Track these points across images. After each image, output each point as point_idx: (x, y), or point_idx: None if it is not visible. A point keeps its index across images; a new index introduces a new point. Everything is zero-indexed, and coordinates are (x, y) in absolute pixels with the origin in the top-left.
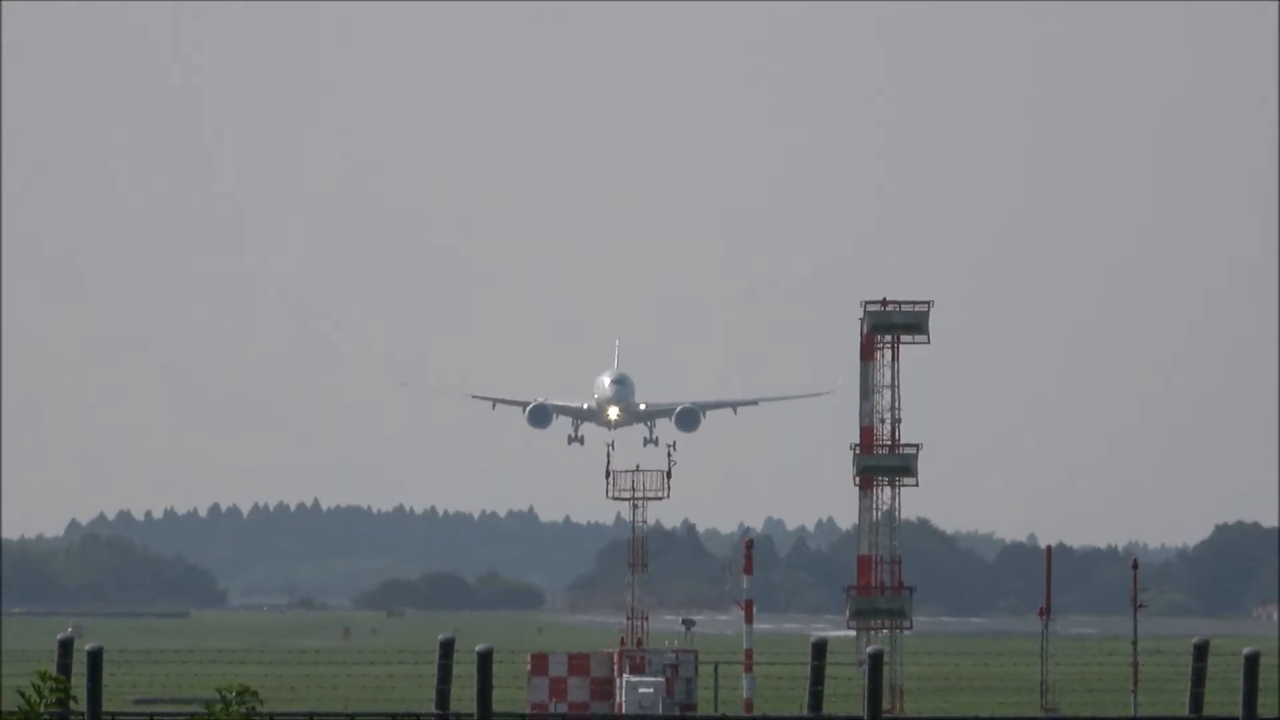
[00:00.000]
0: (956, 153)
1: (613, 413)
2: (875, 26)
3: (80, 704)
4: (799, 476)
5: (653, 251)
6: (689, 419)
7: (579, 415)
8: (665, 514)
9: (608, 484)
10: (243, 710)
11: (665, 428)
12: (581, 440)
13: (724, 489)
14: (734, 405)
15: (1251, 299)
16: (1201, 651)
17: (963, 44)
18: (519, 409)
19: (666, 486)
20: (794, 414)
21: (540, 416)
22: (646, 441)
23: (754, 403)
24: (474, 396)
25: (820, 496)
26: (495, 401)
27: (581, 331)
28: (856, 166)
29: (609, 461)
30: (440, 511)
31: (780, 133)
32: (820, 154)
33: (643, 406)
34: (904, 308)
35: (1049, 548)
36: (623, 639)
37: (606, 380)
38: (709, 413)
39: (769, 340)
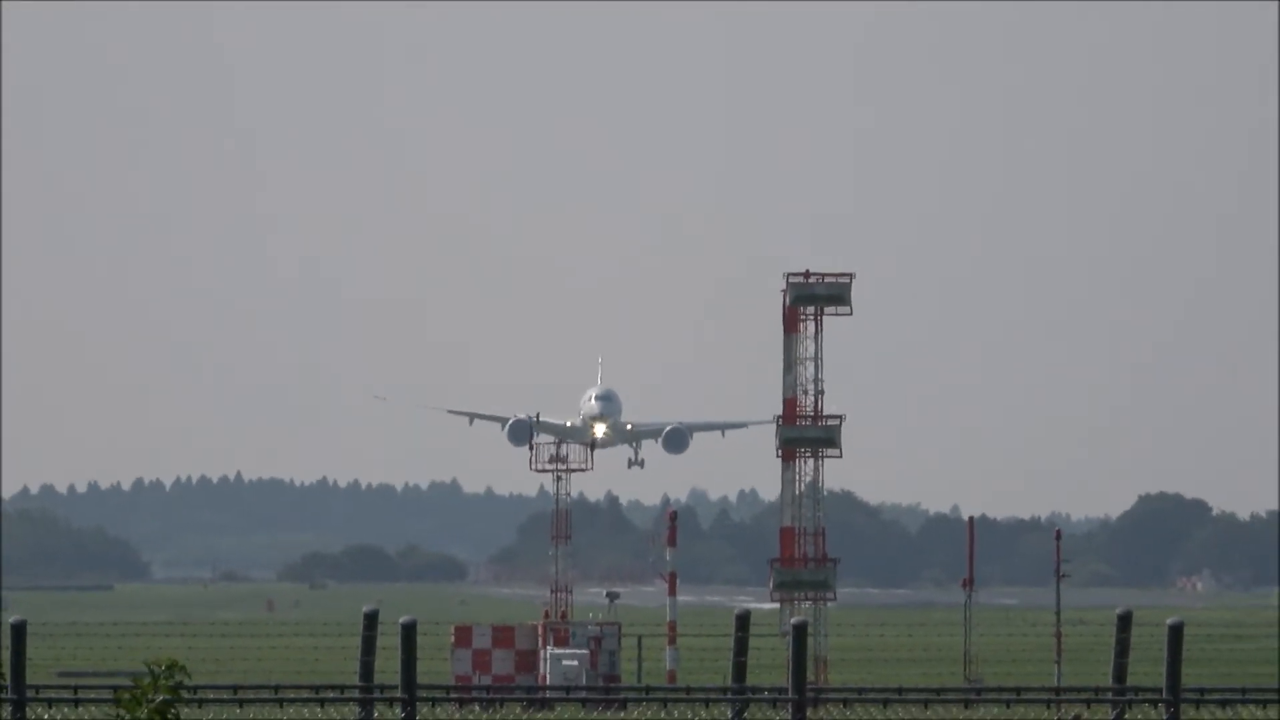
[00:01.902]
0: (881, 124)
1: (598, 430)
2: (802, 7)
3: (4, 678)
4: (722, 448)
5: (639, 266)
6: (677, 440)
7: (562, 433)
8: (588, 486)
9: (531, 456)
10: (170, 684)
11: (651, 450)
12: (565, 459)
13: (647, 460)
14: (722, 427)
15: (1174, 268)
16: (1125, 622)
17: (882, 14)
18: (498, 425)
19: (590, 458)
20: (715, 384)
21: (520, 433)
22: (631, 463)
23: (743, 425)
24: (450, 411)
25: (743, 468)
26: (473, 416)
27: (566, 349)
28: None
29: (533, 434)
30: (363, 484)
31: (754, 143)
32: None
33: (629, 426)
34: (826, 280)
35: (972, 519)
36: (546, 611)
37: (593, 396)
38: (696, 434)
39: (750, 360)
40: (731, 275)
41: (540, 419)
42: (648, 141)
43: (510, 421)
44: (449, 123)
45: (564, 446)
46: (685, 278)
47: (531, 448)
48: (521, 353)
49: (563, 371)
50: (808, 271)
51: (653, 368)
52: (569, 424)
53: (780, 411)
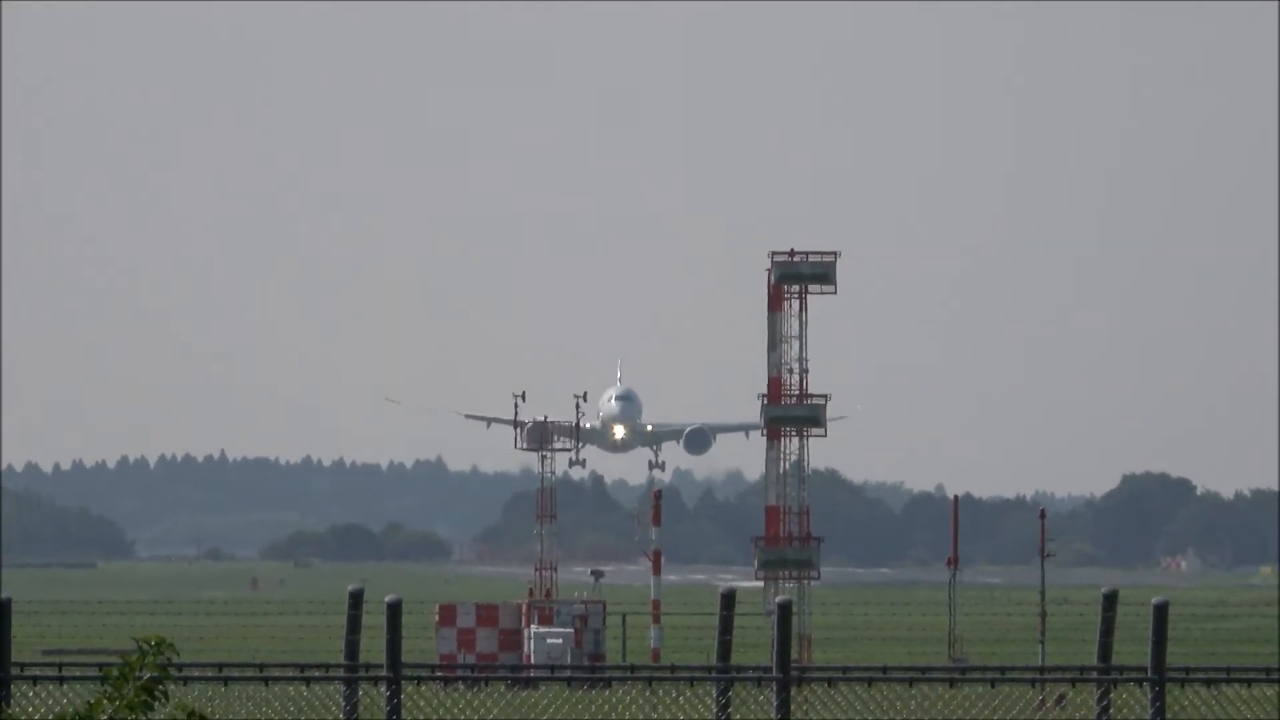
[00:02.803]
0: (871, 104)
1: (618, 431)
2: None
3: None
4: (670, 403)
5: (654, 267)
6: (699, 441)
7: (583, 435)
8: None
9: (516, 435)
10: (159, 661)
11: (672, 451)
12: (583, 463)
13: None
14: (745, 429)
15: (1159, 249)
16: (1110, 601)
17: None
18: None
19: (576, 437)
20: (701, 365)
21: (540, 436)
22: (652, 465)
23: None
24: (467, 416)
25: (728, 447)
26: (490, 421)
27: (582, 351)
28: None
29: (516, 412)
30: (348, 463)
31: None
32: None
33: (649, 427)
34: (811, 258)
35: (956, 498)
36: (531, 590)
37: (612, 397)
38: (719, 436)
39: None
40: (724, 262)
41: (555, 422)
42: (626, 124)
43: (528, 425)
44: (465, 119)
45: (581, 449)
46: (678, 265)
47: (576, 460)
48: (521, 349)
49: (564, 371)
50: (792, 250)
51: (653, 361)
52: (587, 426)
53: (764, 390)
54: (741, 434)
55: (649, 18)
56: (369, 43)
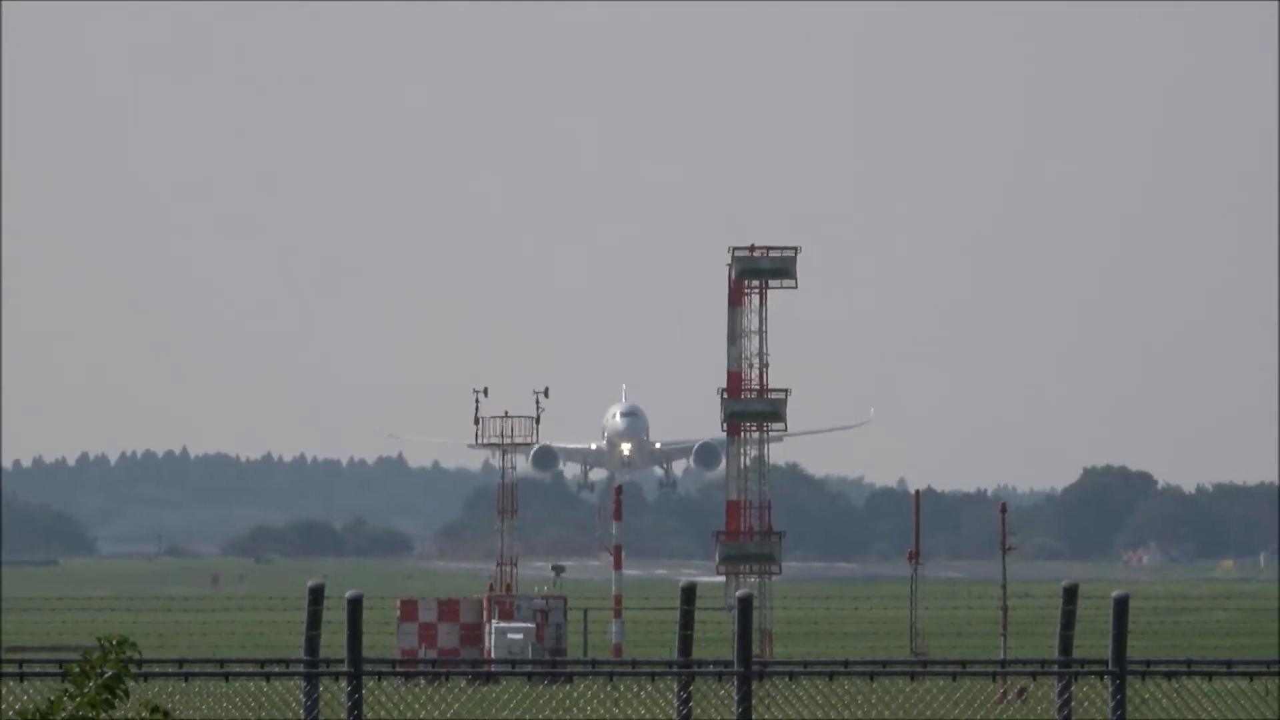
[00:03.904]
0: (825, 99)
1: (625, 449)
2: None
3: None
4: (667, 422)
5: (653, 285)
6: (709, 455)
7: (587, 458)
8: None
9: (477, 430)
10: (120, 659)
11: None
12: (591, 487)
13: (592, 435)
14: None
15: (1118, 240)
16: (1071, 594)
17: None
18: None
19: (535, 433)
20: (661, 360)
21: (546, 460)
22: (663, 485)
23: (778, 438)
24: (470, 445)
25: (689, 442)
26: (494, 447)
27: (584, 376)
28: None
29: (477, 408)
30: (308, 458)
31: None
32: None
33: (657, 445)
34: (771, 253)
35: (918, 492)
36: (492, 585)
37: (617, 413)
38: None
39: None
40: (694, 258)
41: (562, 445)
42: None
43: (535, 449)
44: (458, 129)
45: (589, 472)
46: (646, 263)
47: (584, 484)
48: (483, 344)
49: (580, 402)
50: (752, 245)
51: (674, 389)
52: (593, 447)
53: (724, 385)
54: (691, 415)
55: (610, 15)
56: (330, 28)
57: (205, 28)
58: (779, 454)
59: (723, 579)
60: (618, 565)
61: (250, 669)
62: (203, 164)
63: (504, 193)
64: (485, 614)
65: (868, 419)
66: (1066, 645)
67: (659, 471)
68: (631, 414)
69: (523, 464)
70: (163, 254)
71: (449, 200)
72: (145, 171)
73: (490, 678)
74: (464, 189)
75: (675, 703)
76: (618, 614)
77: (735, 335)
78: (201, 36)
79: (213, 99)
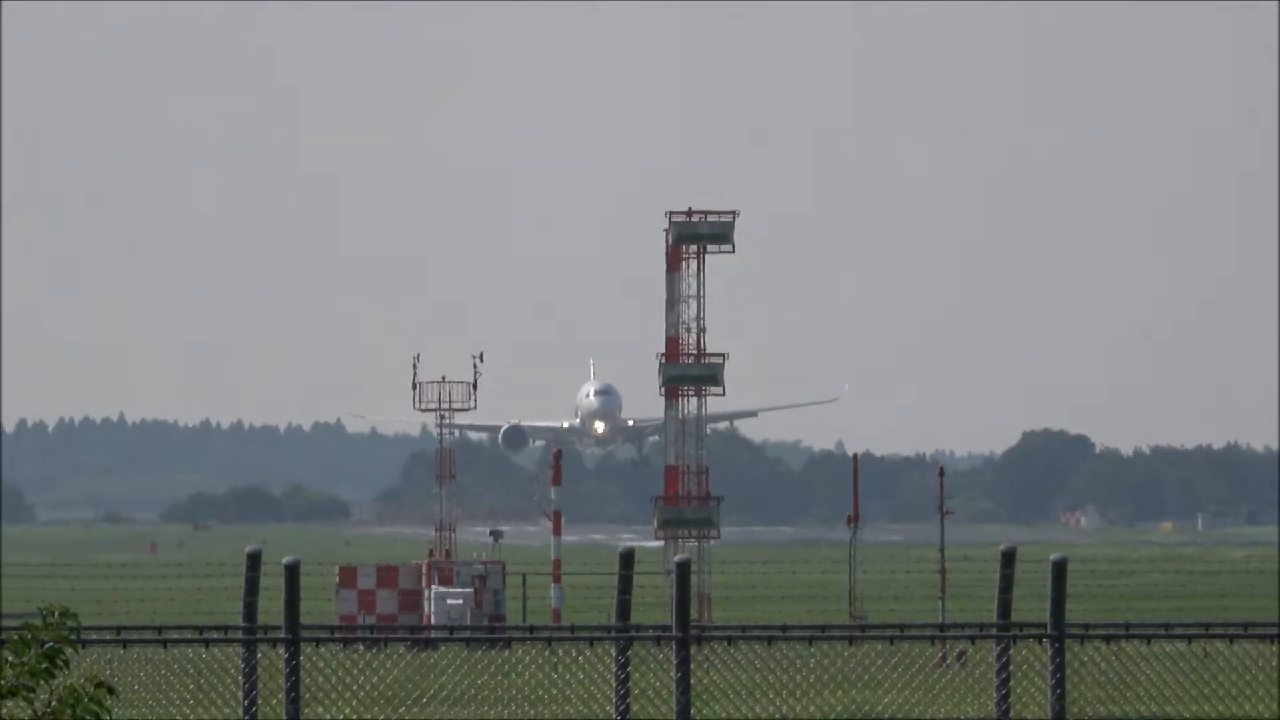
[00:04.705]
0: (769, 61)
1: (598, 428)
2: None
3: None
4: (637, 398)
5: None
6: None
7: (559, 436)
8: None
9: (414, 395)
10: (60, 630)
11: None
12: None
13: (531, 399)
14: (730, 417)
15: (1053, 199)
16: (1009, 558)
17: None
18: (487, 435)
19: (474, 398)
20: (599, 324)
21: (516, 439)
22: (635, 463)
23: (753, 414)
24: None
25: (627, 407)
26: (461, 429)
27: (550, 350)
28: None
29: (415, 372)
30: (246, 425)
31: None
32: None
33: (630, 423)
34: (709, 218)
35: (856, 456)
36: (431, 551)
37: (590, 392)
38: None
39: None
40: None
41: (531, 424)
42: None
43: (504, 429)
44: (433, 121)
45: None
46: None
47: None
48: (424, 311)
49: (547, 377)
50: (690, 210)
51: (645, 364)
52: (565, 425)
53: (663, 350)
54: (629, 380)
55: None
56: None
57: None
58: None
59: (661, 544)
60: (556, 531)
61: (189, 636)
62: (139, 128)
63: (462, 153)
64: (424, 580)
65: (841, 394)
66: (1005, 609)
67: (632, 450)
68: (605, 392)
69: (482, 438)
70: (100, 219)
71: (399, 165)
72: (78, 133)
73: (429, 644)
74: (416, 152)
75: (614, 667)
76: (556, 579)
77: (673, 301)
78: None
79: (147, 57)
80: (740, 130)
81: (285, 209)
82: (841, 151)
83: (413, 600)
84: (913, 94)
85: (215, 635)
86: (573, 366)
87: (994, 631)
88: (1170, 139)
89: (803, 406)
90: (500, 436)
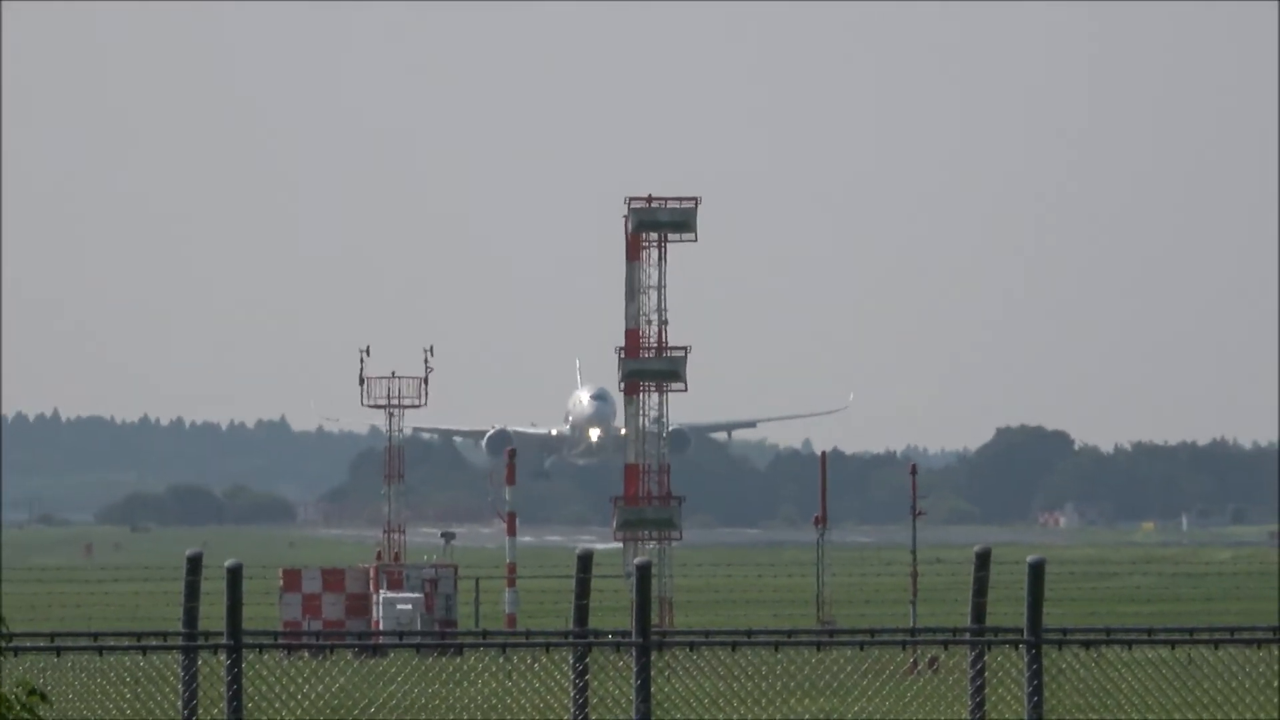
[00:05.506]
0: (732, 46)
1: (594, 435)
2: None
3: None
4: (562, 382)
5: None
6: (678, 442)
7: (548, 444)
8: (422, 422)
9: (362, 391)
10: None
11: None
12: (548, 475)
13: (484, 395)
14: (728, 428)
15: (1030, 192)
16: (983, 560)
17: None
18: (473, 440)
19: (424, 394)
20: (556, 318)
21: (501, 445)
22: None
23: (751, 424)
24: (415, 429)
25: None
26: (442, 434)
27: (533, 354)
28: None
29: (363, 367)
30: (186, 422)
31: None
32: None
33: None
34: (670, 204)
35: (824, 454)
36: (379, 553)
37: (585, 396)
38: (709, 436)
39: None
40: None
41: (519, 429)
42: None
43: (489, 434)
44: (408, 121)
45: (549, 459)
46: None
47: (543, 470)
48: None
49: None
50: (650, 196)
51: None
52: (554, 433)
53: (622, 344)
54: (585, 374)
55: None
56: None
57: None
58: (681, 415)
59: (620, 546)
60: (511, 532)
61: (126, 642)
62: (74, 119)
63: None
64: (372, 584)
65: (846, 404)
66: (979, 613)
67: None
68: (601, 397)
69: (471, 444)
70: (32, 210)
71: (348, 155)
72: (9, 124)
73: (377, 650)
74: (371, 142)
75: (571, 675)
76: (511, 583)
77: (633, 291)
78: None
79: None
80: (705, 114)
81: (231, 199)
82: (807, 139)
83: (360, 605)
84: (900, 84)
85: (154, 642)
86: (543, 366)
87: (968, 637)
88: (1158, 127)
89: (806, 417)
90: (485, 442)
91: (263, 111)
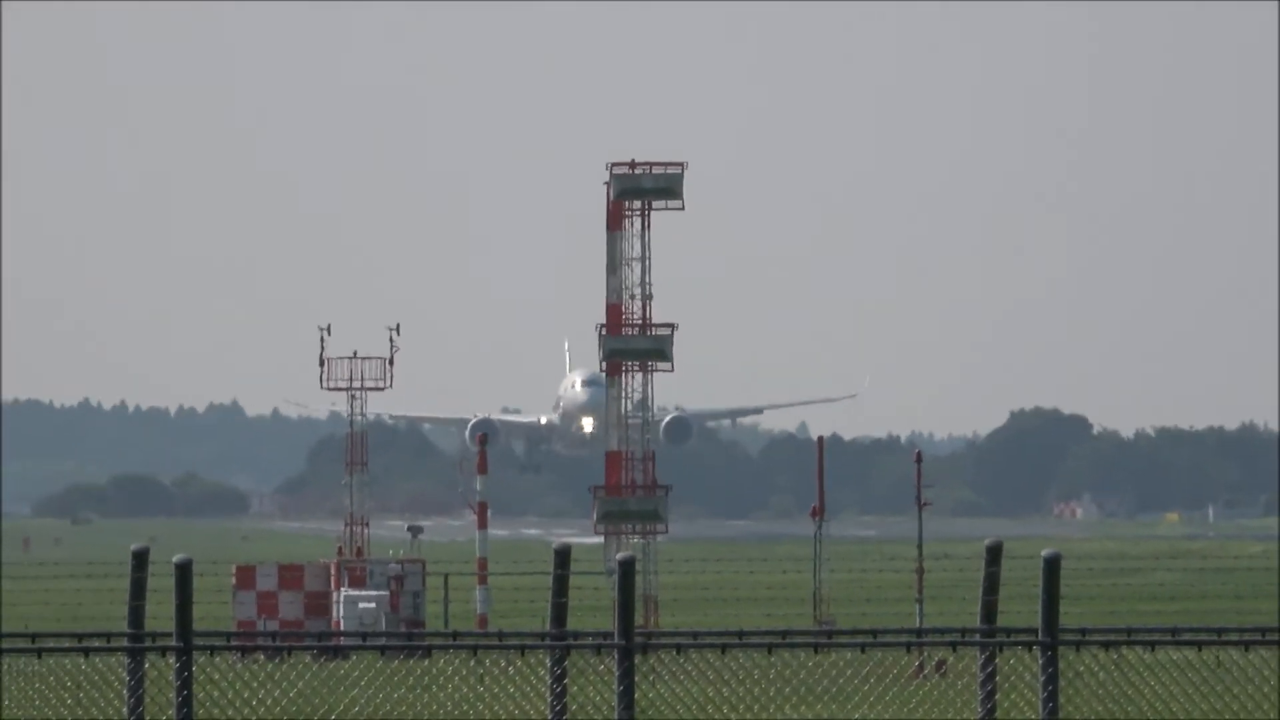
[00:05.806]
0: (718, 10)
1: (587, 424)
2: None
3: None
4: (537, 361)
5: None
6: (680, 430)
7: (535, 434)
8: (386, 406)
9: (322, 373)
10: None
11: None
12: (538, 468)
13: (454, 377)
14: (732, 415)
15: (1042, 170)
16: (994, 554)
17: None
18: (454, 429)
19: (389, 375)
20: (534, 294)
21: (486, 436)
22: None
23: (758, 410)
24: (392, 417)
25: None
26: (422, 421)
27: (519, 338)
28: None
29: (323, 348)
30: (131, 406)
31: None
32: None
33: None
34: (654, 170)
35: (821, 439)
36: (340, 548)
37: (577, 381)
38: (711, 423)
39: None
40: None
41: (504, 418)
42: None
43: (473, 423)
44: (400, 115)
45: (537, 449)
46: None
47: (530, 464)
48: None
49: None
50: (633, 161)
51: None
52: (543, 421)
53: (603, 320)
54: (561, 355)
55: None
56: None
57: None
58: (666, 396)
59: (601, 540)
60: (482, 525)
61: (67, 644)
62: (38, 118)
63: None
64: (333, 581)
65: (861, 389)
66: (990, 612)
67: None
68: (594, 383)
69: (444, 432)
70: None
71: (311, 121)
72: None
73: (338, 652)
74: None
75: (548, 679)
76: (483, 580)
77: (615, 264)
78: None
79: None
80: (691, 84)
81: (182, 166)
82: (805, 114)
83: (320, 604)
84: (900, 68)
85: (97, 643)
86: (531, 348)
87: (978, 638)
88: (1171, 112)
89: (817, 404)
90: (467, 431)
91: (223, 77)
